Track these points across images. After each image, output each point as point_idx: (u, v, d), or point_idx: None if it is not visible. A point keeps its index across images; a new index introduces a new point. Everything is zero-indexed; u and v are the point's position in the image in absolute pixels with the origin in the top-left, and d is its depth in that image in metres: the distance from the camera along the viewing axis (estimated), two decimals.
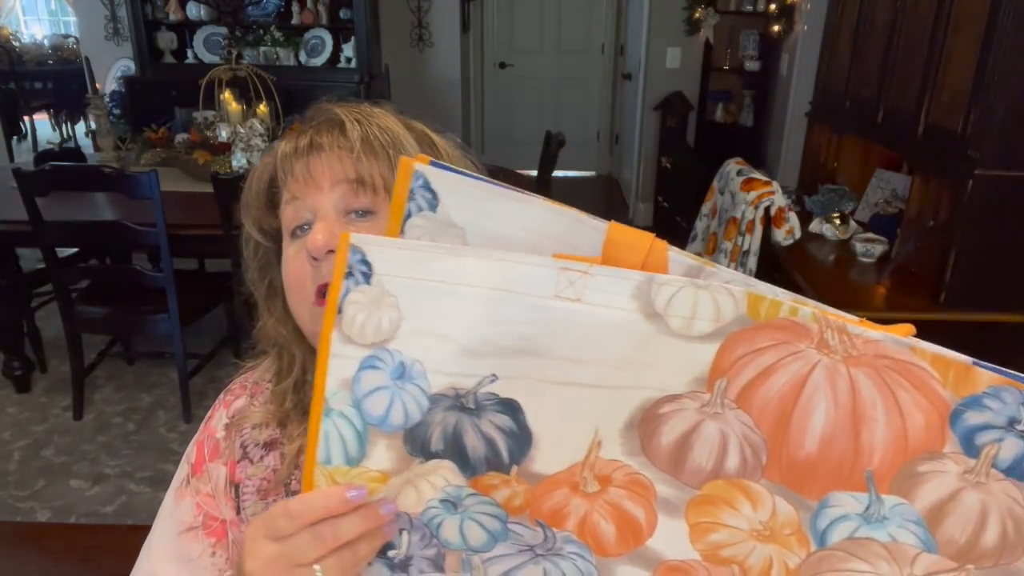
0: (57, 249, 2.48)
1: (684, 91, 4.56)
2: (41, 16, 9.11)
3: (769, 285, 0.44)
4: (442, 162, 0.47)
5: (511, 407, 0.45)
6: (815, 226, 2.57)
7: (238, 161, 2.79)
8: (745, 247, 2.42)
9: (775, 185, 2.42)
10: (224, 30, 4.14)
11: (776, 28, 4.10)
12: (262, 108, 2.97)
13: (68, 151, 3.69)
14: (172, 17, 4.39)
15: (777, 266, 2.40)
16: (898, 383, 0.38)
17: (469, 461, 0.46)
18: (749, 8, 4.37)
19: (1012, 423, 0.35)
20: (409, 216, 0.47)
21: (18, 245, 2.68)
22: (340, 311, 0.45)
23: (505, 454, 0.46)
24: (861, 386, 0.38)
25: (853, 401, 0.38)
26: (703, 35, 4.50)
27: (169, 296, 2.43)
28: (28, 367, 2.86)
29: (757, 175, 2.52)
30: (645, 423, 0.44)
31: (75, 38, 7.06)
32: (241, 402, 0.76)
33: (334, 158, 0.64)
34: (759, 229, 2.39)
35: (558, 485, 0.46)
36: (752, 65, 4.41)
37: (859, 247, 2.34)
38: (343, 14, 4.37)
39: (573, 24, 6.02)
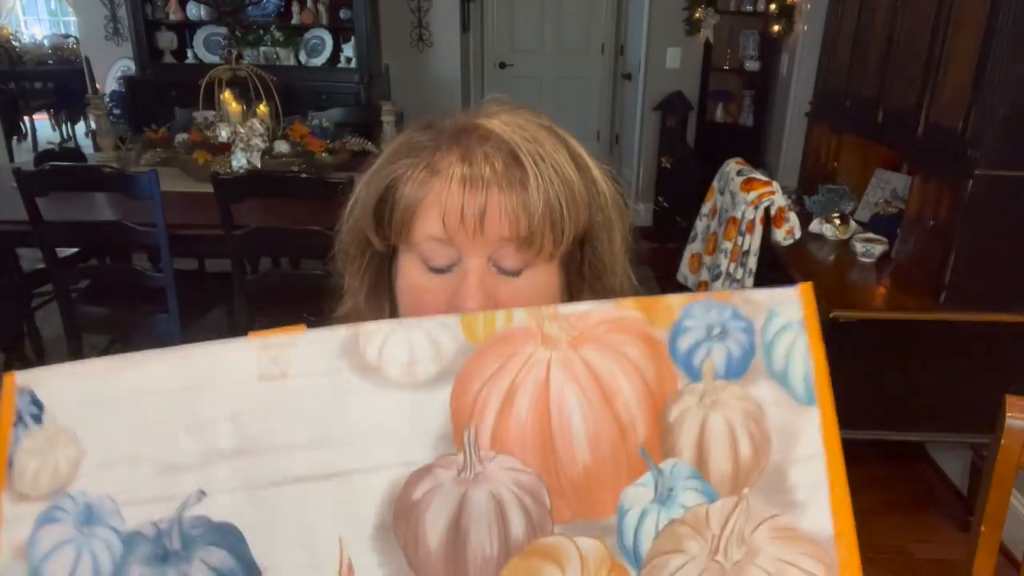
0: (57, 249, 2.48)
1: (684, 91, 4.56)
2: (41, 16, 9.11)
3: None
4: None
5: (228, 535, 0.37)
6: (815, 226, 2.57)
7: (238, 161, 2.79)
8: (745, 247, 2.42)
9: (775, 185, 2.42)
10: (224, 30, 4.14)
11: (776, 28, 4.10)
12: (262, 108, 2.96)
13: (68, 151, 3.68)
14: (172, 17, 4.39)
15: (777, 266, 2.40)
16: (622, 341, 0.37)
17: None
18: (749, 8, 4.37)
19: (710, 331, 0.36)
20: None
21: (18, 245, 2.68)
22: (10, 464, 0.39)
23: None
24: (595, 363, 0.37)
25: (596, 383, 0.37)
26: (703, 35, 4.50)
27: (169, 296, 2.43)
28: (28, 367, 2.85)
29: (757, 175, 2.52)
30: (401, 519, 0.36)
31: (75, 38, 7.06)
32: None
33: (509, 208, 0.56)
34: (759, 229, 2.39)
35: None
36: (752, 65, 4.41)
37: (859, 247, 2.34)
38: (343, 14, 4.37)
39: (573, 24, 6.02)
